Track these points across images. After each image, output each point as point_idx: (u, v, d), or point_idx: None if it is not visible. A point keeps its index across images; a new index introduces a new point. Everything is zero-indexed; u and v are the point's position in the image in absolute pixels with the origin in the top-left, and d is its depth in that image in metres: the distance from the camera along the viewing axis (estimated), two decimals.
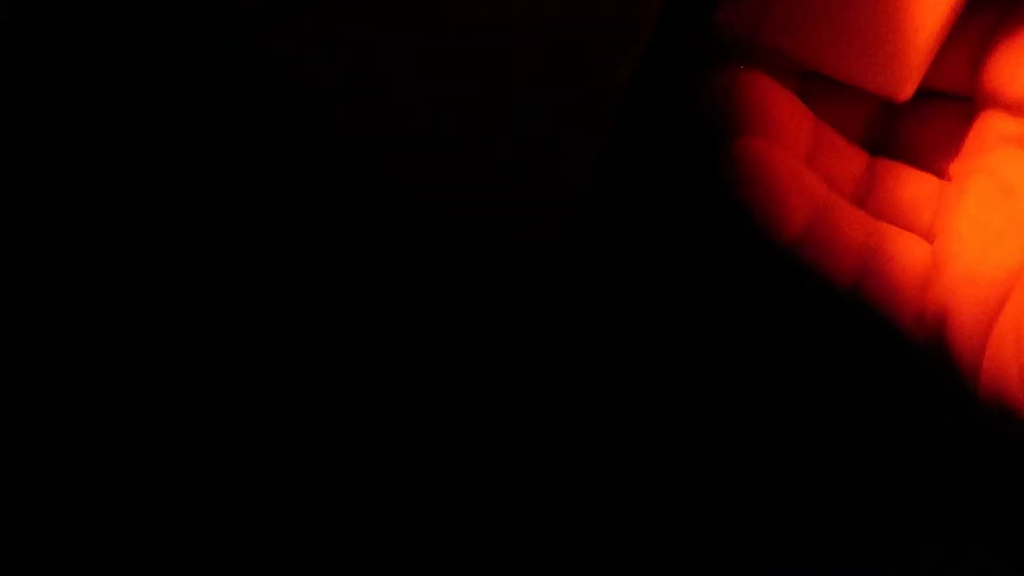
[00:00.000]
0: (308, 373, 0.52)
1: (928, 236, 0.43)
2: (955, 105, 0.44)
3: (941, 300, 0.41)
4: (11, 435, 0.50)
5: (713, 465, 0.50)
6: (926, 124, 0.44)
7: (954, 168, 0.44)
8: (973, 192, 0.42)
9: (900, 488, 0.48)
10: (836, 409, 0.49)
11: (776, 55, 0.42)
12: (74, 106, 0.50)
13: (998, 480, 0.45)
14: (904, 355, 0.42)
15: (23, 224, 0.50)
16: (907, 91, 0.42)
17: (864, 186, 0.44)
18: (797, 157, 0.42)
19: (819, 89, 0.44)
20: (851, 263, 0.42)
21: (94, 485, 0.51)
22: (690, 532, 0.50)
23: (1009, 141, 0.42)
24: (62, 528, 0.50)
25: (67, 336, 0.50)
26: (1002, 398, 0.39)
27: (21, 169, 0.50)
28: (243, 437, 0.51)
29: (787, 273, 0.42)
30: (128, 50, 0.50)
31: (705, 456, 0.51)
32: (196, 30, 0.50)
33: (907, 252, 0.42)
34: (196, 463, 0.51)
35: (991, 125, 0.42)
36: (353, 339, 0.52)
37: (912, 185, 0.44)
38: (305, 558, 0.51)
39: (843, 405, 0.49)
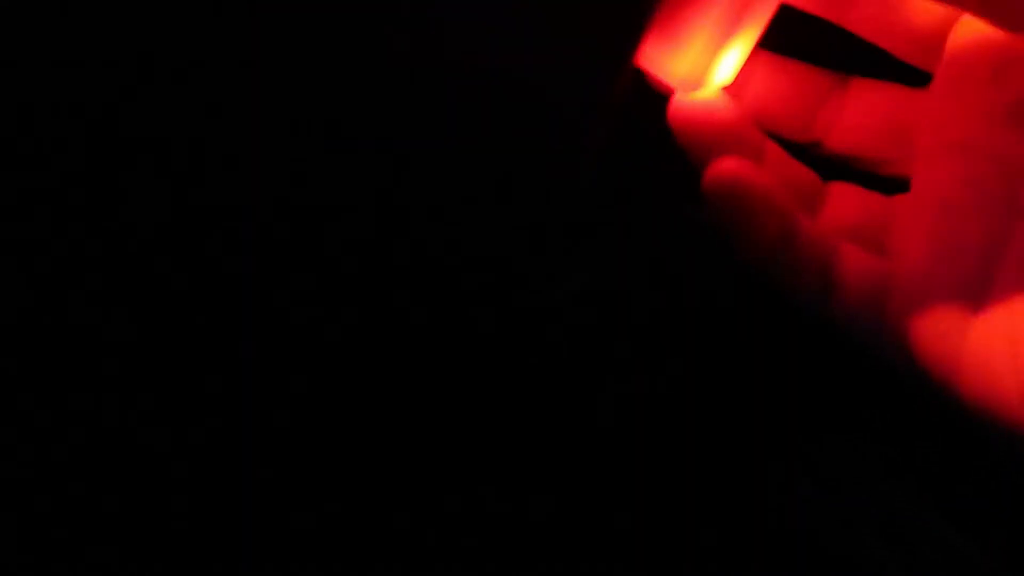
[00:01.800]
0: (307, 372, 0.52)
1: (878, 249, 0.43)
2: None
3: (898, 316, 0.41)
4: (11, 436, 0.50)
5: (713, 471, 0.51)
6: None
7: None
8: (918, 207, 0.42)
9: (899, 490, 0.48)
10: (834, 414, 0.50)
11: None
12: (71, 105, 0.50)
13: (999, 481, 0.45)
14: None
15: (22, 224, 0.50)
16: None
17: (814, 201, 0.45)
18: (764, 175, 0.43)
19: None
20: (812, 279, 0.42)
21: (92, 485, 0.50)
22: (689, 537, 0.50)
23: (945, 149, 0.42)
24: (60, 529, 0.50)
25: (65, 336, 0.50)
26: (999, 414, 0.39)
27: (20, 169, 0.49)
28: (251, 438, 0.51)
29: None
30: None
31: (704, 461, 0.51)
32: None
33: (860, 266, 0.43)
34: (195, 463, 0.51)
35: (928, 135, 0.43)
36: (350, 336, 0.52)
37: (859, 200, 0.45)
38: (305, 559, 0.51)
39: (841, 410, 0.50)
